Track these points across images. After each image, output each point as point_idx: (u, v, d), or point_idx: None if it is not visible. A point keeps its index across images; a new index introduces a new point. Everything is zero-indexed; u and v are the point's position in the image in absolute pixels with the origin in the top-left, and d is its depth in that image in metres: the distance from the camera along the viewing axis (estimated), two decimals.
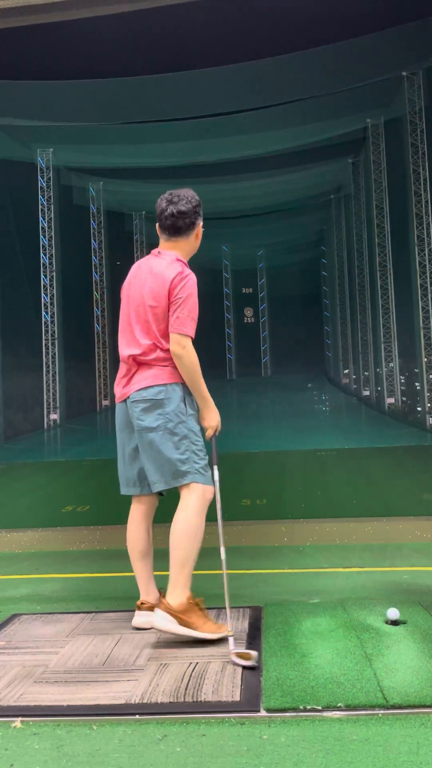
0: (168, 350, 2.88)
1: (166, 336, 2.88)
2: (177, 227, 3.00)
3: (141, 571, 3.01)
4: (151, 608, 2.90)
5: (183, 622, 2.68)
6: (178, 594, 2.73)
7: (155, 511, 3.08)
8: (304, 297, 34.07)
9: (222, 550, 2.83)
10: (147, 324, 2.92)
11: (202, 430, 3.00)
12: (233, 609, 3.10)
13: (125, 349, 3.00)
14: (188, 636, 2.68)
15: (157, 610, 2.73)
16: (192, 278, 2.92)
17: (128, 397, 2.96)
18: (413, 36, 13.05)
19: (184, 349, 2.83)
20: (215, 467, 2.95)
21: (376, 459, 9.82)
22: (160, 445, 2.85)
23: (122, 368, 3.02)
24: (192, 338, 2.87)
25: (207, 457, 2.94)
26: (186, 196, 3.00)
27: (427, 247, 14.52)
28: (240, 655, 2.51)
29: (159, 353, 2.90)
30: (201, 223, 3.07)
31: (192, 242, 3.07)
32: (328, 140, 17.72)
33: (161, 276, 2.90)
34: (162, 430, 2.85)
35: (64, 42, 12.92)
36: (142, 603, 2.98)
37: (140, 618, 2.94)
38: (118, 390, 3.04)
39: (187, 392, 2.92)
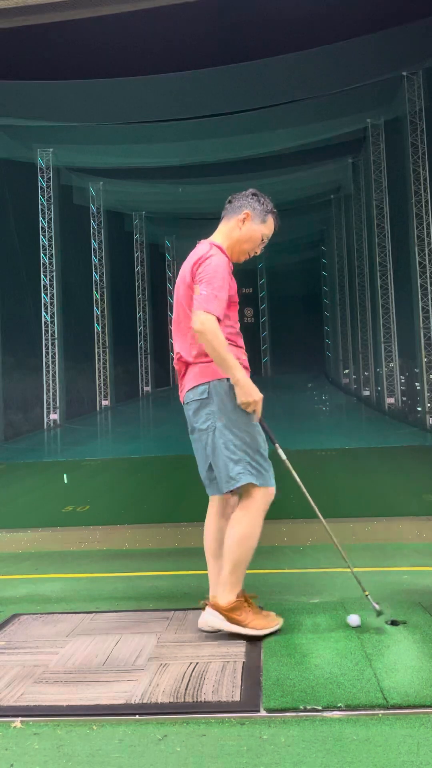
0: None
1: None
2: (225, 211, 3.01)
3: (210, 569, 2.95)
4: None
5: (231, 620, 2.71)
6: (226, 593, 2.75)
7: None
8: (304, 297, 34.07)
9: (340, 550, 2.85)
10: (187, 318, 2.82)
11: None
12: None
13: (175, 352, 2.94)
14: (236, 633, 2.69)
15: (207, 608, 2.77)
16: (216, 258, 2.80)
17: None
18: (413, 36, 13.03)
19: (203, 325, 2.64)
20: (277, 446, 2.86)
21: (376, 459, 9.81)
22: (214, 447, 2.79)
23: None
24: (218, 318, 2.68)
25: (266, 455, 2.81)
26: (252, 191, 3.02)
27: (427, 247, 14.51)
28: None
29: (201, 349, 2.80)
30: (251, 213, 2.94)
31: (233, 226, 2.96)
32: (328, 140, 17.71)
33: (188, 262, 2.87)
34: (212, 431, 2.79)
35: (64, 42, 12.92)
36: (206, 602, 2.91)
37: (203, 616, 2.88)
38: (180, 394, 2.99)
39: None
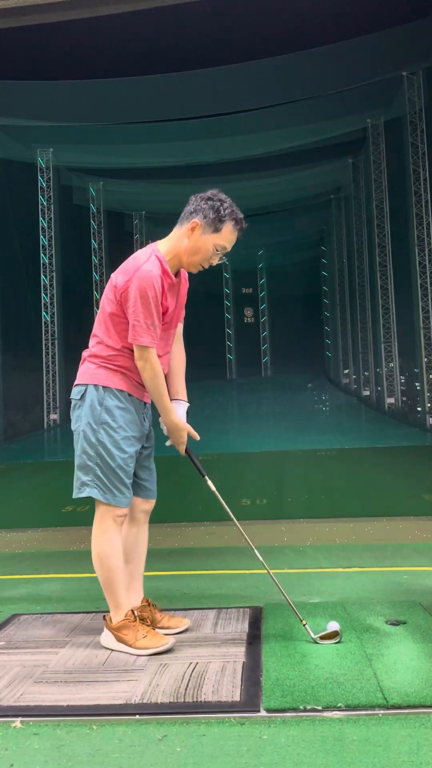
0: (108, 346, 2.72)
1: (110, 331, 2.71)
2: (181, 214, 2.77)
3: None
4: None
5: (119, 639, 2.70)
6: (112, 613, 2.77)
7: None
8: (304, 297, 34.11)
9: (255, 552, 2.84)
10: (101, 314, 2.79)
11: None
12: (233, 609, 3.10)
13: None
14: (124, 651, 2.67)
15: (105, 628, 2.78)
16: (139, 281, 2.61)
17: None
18: (413, 36, 13.05)
19: (146, 362, 2.65)
20: (206, 478, 2.82)
21: (376, 459, 9.81)
22: (76, 449, 2.75)
23: None
24: (151, 346, 2.64)
25: (123, 476, 2.70)
26: (209, 195, 2.73)
27: (427, 247, 14.52)
28: (325, 636, 2.62)
29: (97, 348, 2.75)
30: (200, 223, 2.67)
31: (181, 235, 2.72)
32: (328, 140, 17.73)
33: (122, 266, 2.78)
34: (76, 434, 2.75)
35: (64, 42, 12.92)
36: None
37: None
38: None
39: (113, 397, 2.70)
